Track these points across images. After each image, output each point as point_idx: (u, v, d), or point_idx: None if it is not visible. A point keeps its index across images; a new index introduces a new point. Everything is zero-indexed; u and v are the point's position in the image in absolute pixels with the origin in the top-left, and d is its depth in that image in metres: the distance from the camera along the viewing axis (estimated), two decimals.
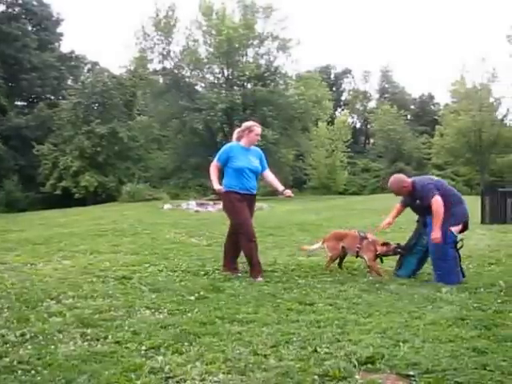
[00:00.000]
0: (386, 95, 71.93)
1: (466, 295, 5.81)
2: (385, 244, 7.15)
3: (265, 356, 3.83)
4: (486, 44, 70.56)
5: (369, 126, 69.41)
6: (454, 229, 6.65)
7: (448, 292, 5.91)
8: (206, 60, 43.31)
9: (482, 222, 15.71)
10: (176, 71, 43.16)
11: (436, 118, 58.85)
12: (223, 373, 3.53)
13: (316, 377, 3.44)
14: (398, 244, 7.18)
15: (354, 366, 3.62)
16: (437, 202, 6.53)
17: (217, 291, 5.93)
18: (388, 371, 3.58)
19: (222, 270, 7.14)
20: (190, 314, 4.92)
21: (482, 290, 6.09)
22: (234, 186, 6.94)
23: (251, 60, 44.01)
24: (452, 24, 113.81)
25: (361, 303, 5.38)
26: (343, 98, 76.01)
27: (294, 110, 42.36)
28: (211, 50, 42.69)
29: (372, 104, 73.87)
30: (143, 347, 3.97)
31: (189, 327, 4.46)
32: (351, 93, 76.17)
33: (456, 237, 6.71)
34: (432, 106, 71.29)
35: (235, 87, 42.84)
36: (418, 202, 6.82)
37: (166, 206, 22.72)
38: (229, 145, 7.23)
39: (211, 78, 45.26)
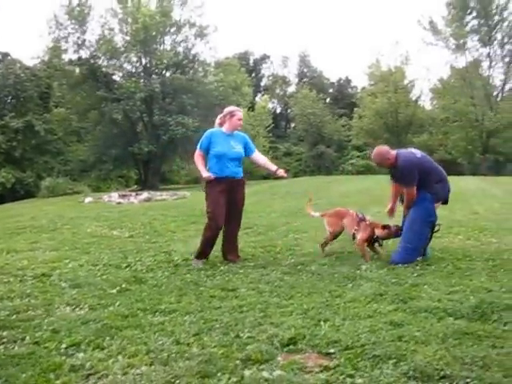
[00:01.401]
0: (305, 80, 72.68)
1: (385, 271, 6.00)
2: (385, 227, 6.95)
3: (188, 345, 3.84)
4: (399, 28, 72.82)
5: (289, 111, 70.02)
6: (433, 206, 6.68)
7: (367, 269, 6.10)
8: (122, 49, 42.33)
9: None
10: (92, 61, 41.94)
11: (354, 100, 60.05)
12: (146, 365, 3.51)
13: (238, 362, 3.48)
14: (397, 226, 7.00)
15: (276, 348, 3.68)
16: (410, 192, 6.63)
17: (139, 283, 5.87)
18: (310, 351, 3.66)
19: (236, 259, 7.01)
20: (111, 308, 4.85)
21: (399, 265, 6.30)
22: (215, 173, 6.86)
23: (169, 48, 43.46)
24: (366, 8, 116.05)
25: (283, 286, 5.46)
26: (263, 83, 76.34)
27: (213, 97, 42.17)
28: (128, 38, 41.81)
29: (291, 89, 74.53)
30: (63, 345, 3.87)
31: (110, 321, 4.40)
32: (270, 78, 76.64)
33: (436, 218, 6.73)
34: (350, 89, 72.55)
35: (154, 76, 42.15)
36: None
37: (87, 200, 22.14)
38: (210, 131, 7.10)
39: (129, 67, 44.31)
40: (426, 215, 6.61)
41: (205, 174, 6.87)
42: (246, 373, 3.33)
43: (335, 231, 7.26)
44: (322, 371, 3.33)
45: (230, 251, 7.06)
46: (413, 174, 6.56)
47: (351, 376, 3.24)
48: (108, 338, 4.01)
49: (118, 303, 4.99)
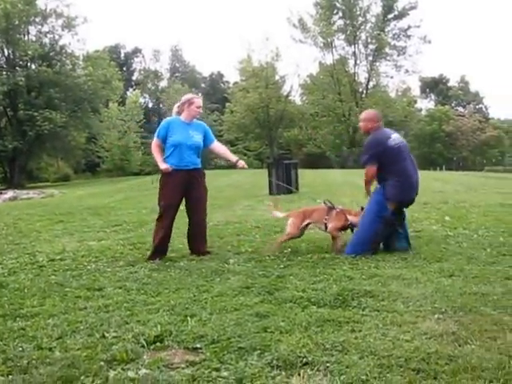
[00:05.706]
0: (177, 74, 72.54)
1: (253, 264, 6.11)
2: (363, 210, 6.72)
3: (50, 349, 3.66)
4: (269, 24, 74.54)
5: (161, 106, 69.50)
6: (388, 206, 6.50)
7: (235, 263, 6.16)
8: None
9: (270, 193, 16.58)
10: None
11: (226, 95, 60.73)
12: (3, 375, 3.30)
13: (103, 363, 3.37)
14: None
15: (143, 347, 3.62)
16: (366, 172, 6.57)
17: None
18: (176, 347, 3.62)
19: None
20: None
21: (267, 257, 6.43)
22: (172, 164, 6.59)
23: (34, 39, 41.79)
24: (238, 2, 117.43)
25: (150, 283, 5.38)
26: (134, 77, 75.22)
27: (82, 91, 41.14)
28: None
29: (164, 83, 74.07)
30: None
31: None
32: (142, 72, 75.66)
33: (388, 212, 6.50)
34: (222, 84, 73.34)
35: (18, 68, 40.28)
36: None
37: None
38: (167, 119, 6.82)
39: None
40: (377, 210, 6.49)
41: (163, 165, 6.63)
42: (111, 374, 3.24)
43: (293, 234, 7.00)
44: (188, 367, 3.32)
45: (198, 244, 6.81)
46: (370, 152, 6.50)
47: (217, 369, 3.25)
48: None
49: None
